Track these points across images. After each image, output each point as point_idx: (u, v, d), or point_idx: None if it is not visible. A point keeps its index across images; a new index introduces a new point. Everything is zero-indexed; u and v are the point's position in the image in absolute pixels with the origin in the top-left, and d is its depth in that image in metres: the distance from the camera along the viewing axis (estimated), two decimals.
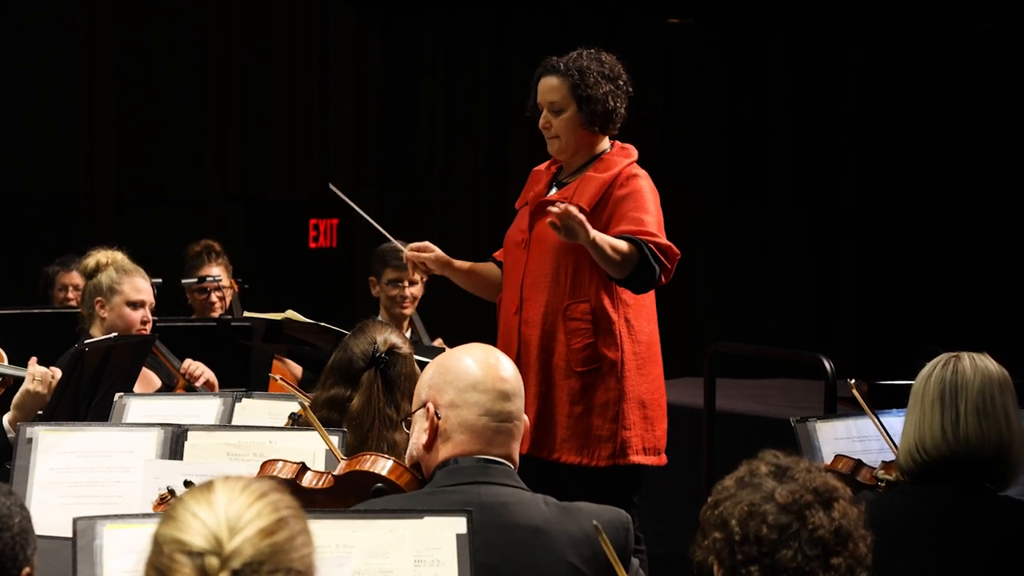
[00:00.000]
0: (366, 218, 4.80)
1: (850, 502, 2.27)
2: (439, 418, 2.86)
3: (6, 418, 4.25)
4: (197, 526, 1.83)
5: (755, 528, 2.22)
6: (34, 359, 4.30)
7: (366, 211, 4.92)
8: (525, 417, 2.95)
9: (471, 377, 2.87)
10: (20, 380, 4.36)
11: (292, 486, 3.09)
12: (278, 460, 3.16)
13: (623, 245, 4.40)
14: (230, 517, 1.83)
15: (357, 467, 3.07)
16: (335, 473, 3.10)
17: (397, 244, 4.73)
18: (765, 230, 9.82)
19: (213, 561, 1.80)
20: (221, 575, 1.80)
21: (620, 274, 4.43)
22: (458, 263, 4.77)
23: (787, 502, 2.22)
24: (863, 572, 2.25)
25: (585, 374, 4.49)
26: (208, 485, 1.88)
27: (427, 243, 4.74)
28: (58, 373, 4.26)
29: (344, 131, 9.52)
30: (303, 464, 3.14)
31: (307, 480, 3.11)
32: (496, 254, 4.80)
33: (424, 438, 2.88)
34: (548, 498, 2.89)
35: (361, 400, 3.59)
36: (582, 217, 4.32)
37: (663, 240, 4.47)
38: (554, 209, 4.32)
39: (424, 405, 2.89)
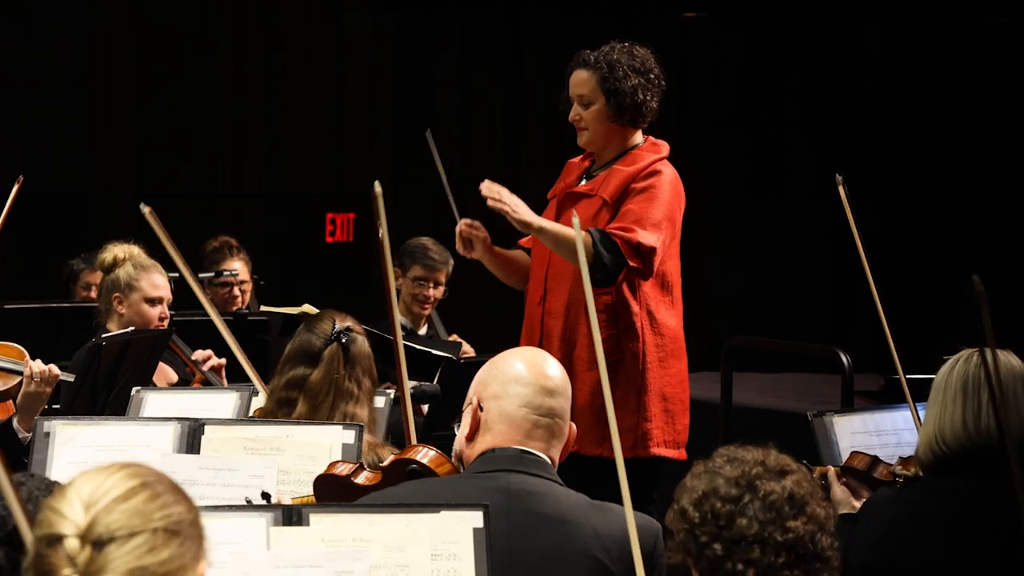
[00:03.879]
0: (443, 180, 4.80)
1: (806, 479, 2.29)
2: (482, 410, 2.92)
3: (15, 419, 4.26)
4: (57, 518, 1.84)
5: (709, 506, 2.25)
6: (27, 359, 4.29)
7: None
8: (573, 425, 2.98)
9: (516, 372, 2.94)
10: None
11: (346, 482, 3.12)
12: (341, 461, 3.25)
13: (574, 235, 4.40)
14: (84, 498, 1.84)
15: (404, 455, 3.12)
16: (382, 466, 3.18)
17: (453, 209, 4.73)
18: (782, 224, 9.81)
19: (73, 543, 1.82)
20: (83, 552, 1.81)
21: (575, 264, 4.42)
22: (499, 250, 4.76)
23: (736, 476, 2.26)
24: (825, 537, 2.25)
25: (607, 366, 4.49)
26: (68, 482, 1.90)
27: (479, 224, 4.73)
28: (55, 369, 4.26)
29: (360, 127, 9.52)
30: (361, 463, 3.21)
31: (361, 478, 3.16)
32: (522, 241, 4.80)
33: (467, 431, 2.93)
34: (580, 494, 2.90)
35: (322, 372, 3.67)
36: (512, 205, 4.39)
37: (636, 236, 4.42)
38: (484, 191, 4.41)
39: (470, 403, 2.96)
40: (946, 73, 9.44)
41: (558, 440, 2.93)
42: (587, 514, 2.84)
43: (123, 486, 1.85)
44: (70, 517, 1.83)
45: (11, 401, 4.43)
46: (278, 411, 3.66)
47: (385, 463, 3.15)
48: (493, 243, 4.75)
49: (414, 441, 3.39)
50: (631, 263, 4.42)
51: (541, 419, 2.90)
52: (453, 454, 3.02)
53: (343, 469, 3.18)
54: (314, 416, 3.58)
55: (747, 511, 2.22)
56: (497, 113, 9.66)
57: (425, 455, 3.08)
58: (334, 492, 3.16)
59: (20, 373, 4.29)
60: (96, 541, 1.81)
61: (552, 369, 2.97)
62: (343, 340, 3.70)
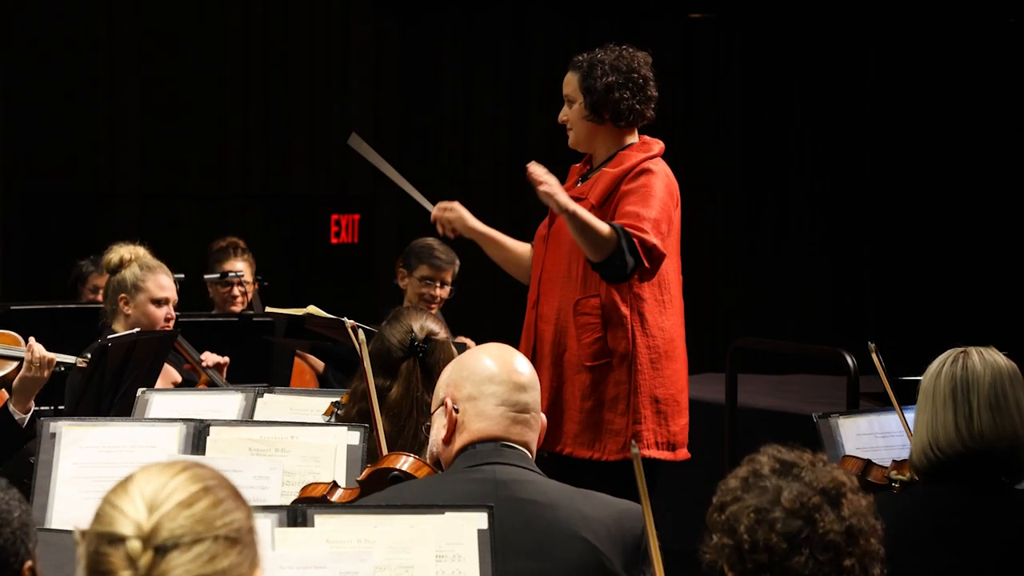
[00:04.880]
0: (390, 174, 4.79)
1: (857, 492, 2.25)
2: (457, 412, 2.93)
3: (10, 403, 4.26)
4: (117, 515, 1.83)
5: (764, 536, 2.19)
6: (32, 340, 4.29)
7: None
8: (543, 415, 3.00)
9: (487, 371, 2.95)
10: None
11: (324, 502, 3.11)
12: (313, 484, 3.20)
13: (603, 228, 4.38)
14: (147, 498, 1.83)
15: (379, 466, 3.09)
16: (359, 479, 3.14)
17: (421, 201, 4.73)
18: (785, 225, 9.80)
19: (135, 545, 1.80)
20: (145, 556, 1.79)
21: (593, 256, 4.40)
22: (485, 229, 4.74)
23: (795, 507, 2.20)
24: (876, 566, 2.23)
25: (595, 368, 4.49)
26: (128, 477, 1.88)
27: (455, 203, 4.73)
28: (55, 356, 4.25)
29: (364, 127, 9.52)
30: (334, 482, 3.18)
31: (337, 496, 3.13)
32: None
33: (443, 433, 2.94)
34: (564, 484, 2.93)
35: (400, 390, 3.59)
36: (554, 187, 4.35)
37: (650, 238, 4.42)
38: (531, 169, 4.36)
39: (443, 403, 2.95)
40: (951, 73, 9.44)
41: (534, 432, 2.97)
42: (574, 499, 2.88)
43: (187, 490, 1.83)
44: (132, 517, 1.81)
45: (5, 389, 4.44)
46: (361, 422, 3.59)
47: (361, 476, 3.12)
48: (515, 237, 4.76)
49: (385, 451, 3.33)
50: (646, 264, 4.43)
51: (518, 415, 2.93)
52: (429, 456, 3.00)
53: (318, 490, 3.15)
54: (399, 437, 3.50)
55: (803, 549, 2.18)
56: (502, 112, 9.66)
57: (404, 462, 3.04)
58: None
59: (17, 359, 4.29)
60: (159, 547, 1.79)
61: (521, 365, 2.99)
62: (419, 353, 3.60)
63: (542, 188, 4.35)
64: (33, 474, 3.41)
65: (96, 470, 3.41)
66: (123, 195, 9.03)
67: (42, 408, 4.39)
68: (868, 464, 3.68)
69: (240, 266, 6.37)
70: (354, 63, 9.47)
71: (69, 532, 2.52)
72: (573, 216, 4.35)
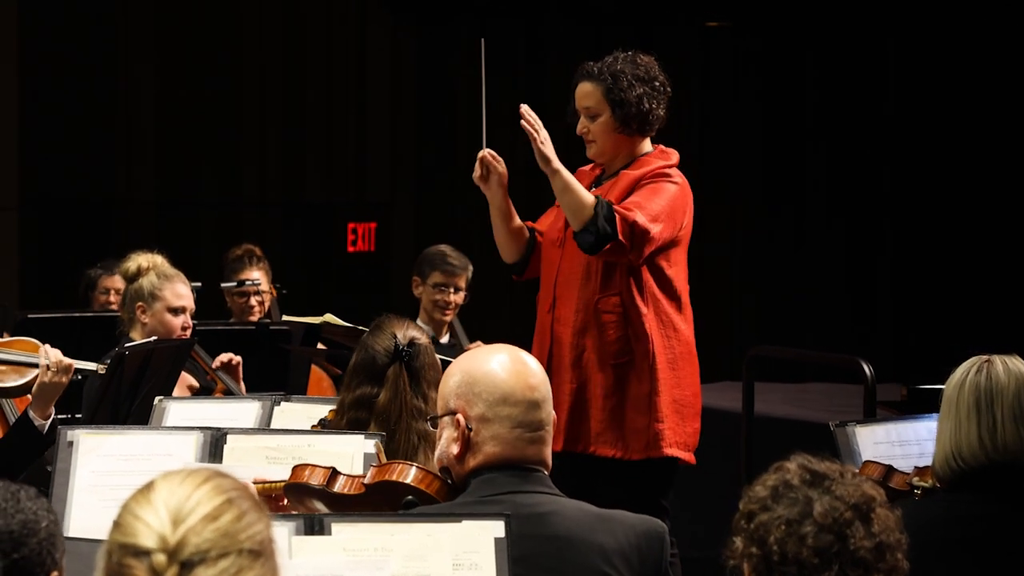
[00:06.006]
0: (483, 98, 4.88)
1: (885, 506, 2.25)
2: (470, 430, 2.85)
3: (30, 408, 4.26)
4: (140, 527, 1.81)
5: (795, 549, 2.18)
6: (47, 346, 4.27)
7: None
8: (554, 413, 2.94)
9: (501, 389, 2.85)
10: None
11: (322, 492, 3.09)
12: (309, 465, 3.16)
13: (585, 198, 4.43)
14: (171, 510, 1.82)
15: (386, 476, 3.05)
16: (365, 481, 3.10)
17: (483, 142, 4.82)
18: (803, 233, 9.79)
19: (160, 558, 1.79)
20: (170, 571, 1.79)
21: (573, 222, 4.46)
22: (503, 197, 4.75)
23: (827, 522, 2.19)
24: None
25: (618, 367, 4.50)
26: (149, 484, 1.87)
27: (501, 159, 4.74)
28: (73, 362, 4.24)
29: (381, 135, 9.54)
30: (334, 469, 3.13)
31: (338, 486, 3.10)
32: (528, 222, 4.80)
33: (455, 449, 2.86)
34: (585, 505, 2.88)
35: (388, 394, 3.60)
36: (543, 136, 4.46)
37: (634, 215, 4.42)
38: (524, 110, 4.47)
39: (452, 414, 2.88)
40: (970, 81, 9.41)
41: (549, 446, 2.90)
42: (594, 530, 2.82)
43: (211, 503, 1.83)
44: (157, 530, 1.81)
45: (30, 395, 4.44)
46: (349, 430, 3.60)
47: (368, 479, 3.09)
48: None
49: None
50: (620, 239, 4.40)
51: (535, 434, 2.86)
52: (436, 461, 2.95)
53: (316, 479, 3.11)
54: (391, 442, 3.51)
55: (834, 565, 2.18)
56: (518, 119, 9.65)
57: (410, 475, 2.99)
58: (312, 501, 3.13)
59: (34, 365, 4.28)
60: (185, 562, 1.79)
61: (535, 375, 2.89)
62: (404, 358, 3.62)
63: (531, 131, 4.45)
64: (50, 483, 3.42)
65: (113, 478, 3.42)
66: (139, 203, 9.05)
67: (60, 416, 4.39)
68: (890, 470, 3.66)
69: (257, 274, 6.37)
70: (370, 70, 9.48)
71: (87, 541, 2.53)
72: (557, 173, 4.44)
